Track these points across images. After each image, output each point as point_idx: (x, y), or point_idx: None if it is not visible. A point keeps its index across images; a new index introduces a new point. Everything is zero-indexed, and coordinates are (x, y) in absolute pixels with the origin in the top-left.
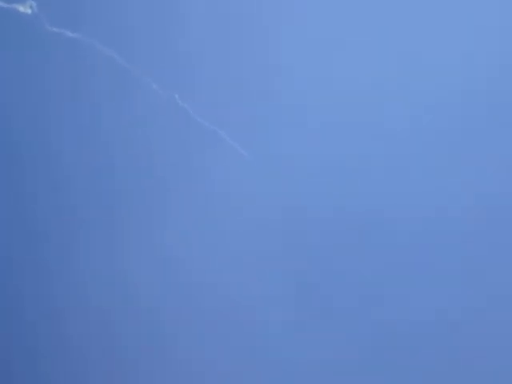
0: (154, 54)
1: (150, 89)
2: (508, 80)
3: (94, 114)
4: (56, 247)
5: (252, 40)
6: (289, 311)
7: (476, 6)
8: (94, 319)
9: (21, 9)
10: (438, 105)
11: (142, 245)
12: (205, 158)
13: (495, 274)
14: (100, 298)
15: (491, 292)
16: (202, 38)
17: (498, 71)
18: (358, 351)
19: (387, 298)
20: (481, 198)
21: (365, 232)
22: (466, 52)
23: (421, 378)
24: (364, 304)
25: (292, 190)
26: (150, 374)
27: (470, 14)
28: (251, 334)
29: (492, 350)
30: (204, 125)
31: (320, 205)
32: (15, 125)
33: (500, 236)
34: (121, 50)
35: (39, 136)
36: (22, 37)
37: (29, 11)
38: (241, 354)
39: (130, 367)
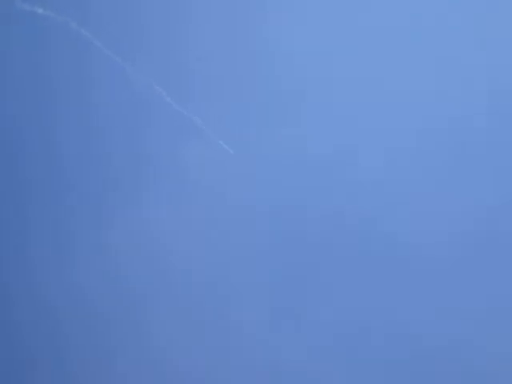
0: (132, 38)
1: (127, 74)
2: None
3: (65, 97)
4: (48, 243)
5: (242, 32)
6: (273, 307)
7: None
8: (86, 316)
9: None
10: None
11: (128, 234)
12: (184, 147)
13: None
14: (92, 290)
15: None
16: (191, 26)
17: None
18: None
19: (377, 299)
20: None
21: (350, 230)
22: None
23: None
24: (354, 303)
25: (275, 186)
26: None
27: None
28: (230, 326)
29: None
30: (184, 116)
31: (305, 202)
32: None
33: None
34: (97, 32)
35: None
36: None
37: None
38: (222, 349)
39: (117, 361)
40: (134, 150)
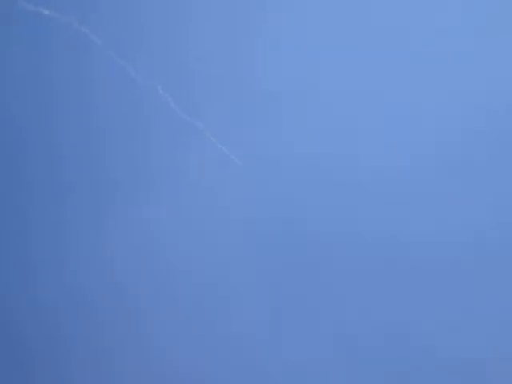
0: (135, 40)
1: (129, 76)
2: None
3: (67, 100)
4: (48, 243)
5: (242, 35)
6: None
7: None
8: (85, 316)
9: None
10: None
11: (128, 235)
12: (185, 149)
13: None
14: (91, 290)
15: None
16: (194, 26)
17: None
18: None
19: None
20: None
21: (350, 230)
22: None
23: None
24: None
25: (281, 196)
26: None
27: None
28: (232, 334)
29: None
30: (187, 119)
31: (305, 202)
32: None
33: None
34: (101, 32)
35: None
36: None
37: None
38: (222, 349)
39: (116, 362)
40: (134, 151)
